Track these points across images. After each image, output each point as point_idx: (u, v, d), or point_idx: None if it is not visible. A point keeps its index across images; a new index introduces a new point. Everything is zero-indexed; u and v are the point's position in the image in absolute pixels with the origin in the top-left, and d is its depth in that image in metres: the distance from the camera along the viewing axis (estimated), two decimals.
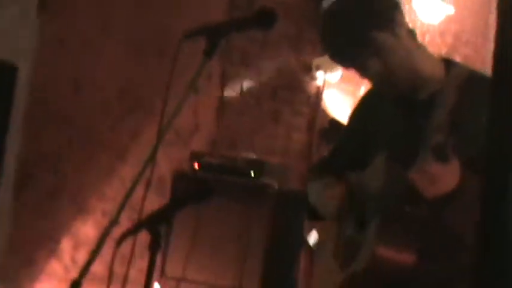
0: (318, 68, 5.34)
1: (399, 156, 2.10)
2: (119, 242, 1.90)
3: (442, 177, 1.97)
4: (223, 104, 5.29)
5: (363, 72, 2.17)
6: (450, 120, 2.01)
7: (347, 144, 2.43)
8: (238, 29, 2.02)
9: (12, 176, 4.67)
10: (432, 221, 2.06)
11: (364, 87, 4.30)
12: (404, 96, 2.18)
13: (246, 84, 5.30)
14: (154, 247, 1.91)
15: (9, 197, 4.60)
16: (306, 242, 4.96)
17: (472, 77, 2.15)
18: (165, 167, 4.77)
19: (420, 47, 2.21)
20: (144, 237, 2.02)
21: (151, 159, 1.98)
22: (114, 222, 2.04)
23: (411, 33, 2.18)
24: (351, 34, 2.10)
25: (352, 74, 5.42)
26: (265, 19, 1.91)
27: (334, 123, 5.26)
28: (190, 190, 2.05)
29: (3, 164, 3.56)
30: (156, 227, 1.92)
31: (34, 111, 4.81)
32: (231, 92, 5.26)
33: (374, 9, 2.11)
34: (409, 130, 2.16)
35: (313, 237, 5.08)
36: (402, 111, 2.21)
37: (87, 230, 5.00)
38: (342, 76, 5.40)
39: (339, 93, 5.45)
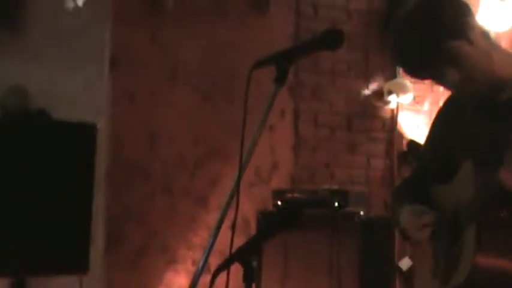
0: (389, 92, 5.31)
1: (484, 161, 2.05)
2: (213, 277, 1.91)
3: None
4: (298, 139, 5.29)
5: (441, 81, 2.15)
6: None
7: (431, 156, 2.39)
8: (306, 52, 2.01)
9: (102, 234, 4.74)
10: None
11: (440, 102, 4.24)
12: (485, 99, 2.14)
13: (319, 116, 5.31)
14: (248, 279, 1.90)
15: (100, 256, 4.67)
16: (398, 268, 4.87)
17: None
18: (248, 208, 4.79)
19: (496, 48, 2.18)
20: (234, 281, 2.03)
21: (231, 199, 2.00)
22: (203, 267, 2.06)
23: (485, 34, 2.15)
24: (424, 46, 2.07)
25: (425, 93, 5.35)
26: (332, 38, 1.90)
27: (412, 144, 5.20)
28: (276, 220, 2.04)
29: (92, 222, 3.61)
30: (247, 258, 1.92)
31: (114, 168, 4.90)
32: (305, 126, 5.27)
33: (445, 18, 2.08)
34: (492, 133, 2.12)
35: (405, 263, 4.99)
36: (483, 114, 2.16)
37: (180, 280, 5.03)
38: (414, 97, 5.35)
39: (413, 114, 5.40)
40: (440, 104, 2.40)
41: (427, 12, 2.11)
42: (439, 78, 2.15)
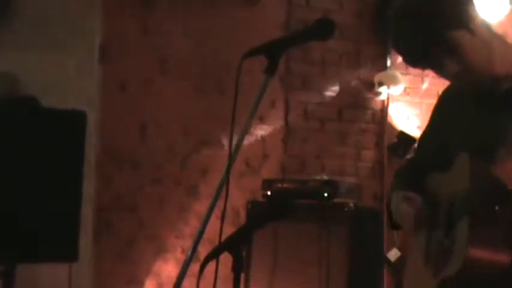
0: (380, 83, 5.31)
1: (480, 154, 2.04)
2: (202, 266, 1.92)
3: None
4: (289, 130, 5.29)
5: (440, 72, 2.12)
6: None
7: (429, 145, 2.38)
8: (297, 42, 2.01)
9: (91, 222, 4.74)
10: None
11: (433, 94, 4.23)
12: (484, 90, 2.13)
13: (310, 107, 5.31)
14: (237, 268, 1.91)
15: (89, 244, 4.66)
16: (387, 259, 4.89)
17: None
18: (238, 198, 4.79)
19: (497, 38, 2.15)
20: (223, 270, 2.03)
21: (221, 189, 2.00)
22: (192, 256, 2.07)
23: (486, 25, 2.13)
24: (423, 36, 2.05)
25: (416, 84, 5.34)
26: (323, 28, 1.89)
27: (402, 136, 5.21)
28: (266, 209, 2.05)
29: (81, 211, 3.61)
30: (237, 248, 1.92)
31: (104, 157, 4.89)
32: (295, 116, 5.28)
33: (445, 7, 2.05)
34: (489, 125, 2.10)
35: (393, 254, 5.01)
36: (482, 105, 2.15)
37: (169, 269, 5.03)
38: (405, 88, 5.35)
39: (404, 106, 5.40)
40: (432, 95, 2.39)
41: (426, 1, 2.08)
42: (438, 69, 2.12)
